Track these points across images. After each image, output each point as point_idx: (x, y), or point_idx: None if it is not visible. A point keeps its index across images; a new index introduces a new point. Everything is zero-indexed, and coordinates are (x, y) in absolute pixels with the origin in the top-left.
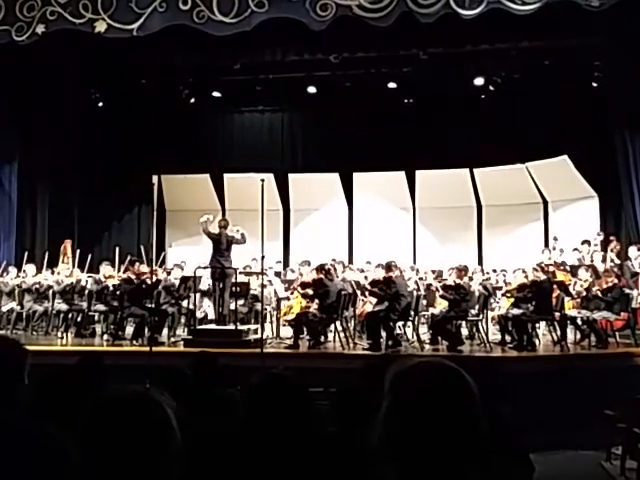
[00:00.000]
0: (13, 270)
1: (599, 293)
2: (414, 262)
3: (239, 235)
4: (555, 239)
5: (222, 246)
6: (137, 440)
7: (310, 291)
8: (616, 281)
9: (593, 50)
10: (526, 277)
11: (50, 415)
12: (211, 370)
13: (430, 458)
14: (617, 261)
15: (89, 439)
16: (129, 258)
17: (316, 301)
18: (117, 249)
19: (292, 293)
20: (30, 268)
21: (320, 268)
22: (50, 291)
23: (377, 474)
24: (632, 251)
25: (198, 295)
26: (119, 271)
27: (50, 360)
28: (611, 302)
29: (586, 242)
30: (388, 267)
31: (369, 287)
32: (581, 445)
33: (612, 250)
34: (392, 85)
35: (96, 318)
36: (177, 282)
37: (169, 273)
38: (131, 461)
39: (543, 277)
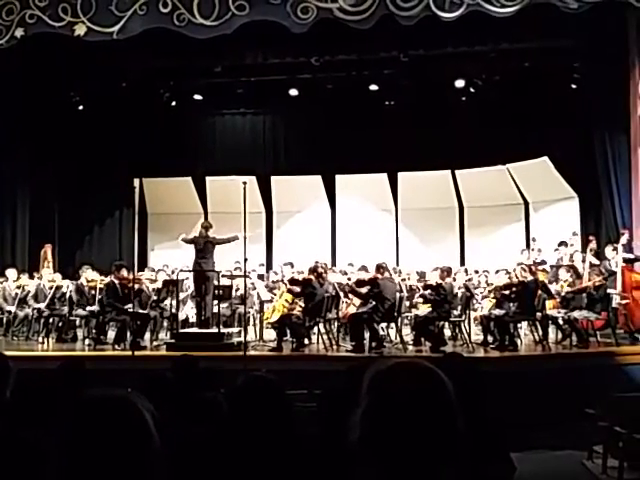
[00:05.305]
0: None
1: (592, 290)
2: (397, 263)
3: (225, 236)
4: (534, 240)
5: (203, 249)
6: (114, 444)
7: (297, 289)
8: (604, 281)
9: (572, 52)
10: (510, 278)
11: (30, 419)
12: (192, 374)
13: (407, 459)
14: (594, 261)
15: (68, 443)
16: (115, 263)
17: (300, 303)
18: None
19: (280, 289)
20: (11, 273)
21: (313, 269)
22: (30, 296)
23: (356, 475)
24: (608, 251)
25: (181, 296)
26: (102, 275)
27: (31, 365)
28: (598, 300)
29: (563, 243)
30: (378, 268)
31: (353, 286)
32: (563, 444)
33: (591, 250)
34: (373, 87)
35: (77, 323)
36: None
37: (154, 280)
38: (108, 465)
39: (530, 278)
